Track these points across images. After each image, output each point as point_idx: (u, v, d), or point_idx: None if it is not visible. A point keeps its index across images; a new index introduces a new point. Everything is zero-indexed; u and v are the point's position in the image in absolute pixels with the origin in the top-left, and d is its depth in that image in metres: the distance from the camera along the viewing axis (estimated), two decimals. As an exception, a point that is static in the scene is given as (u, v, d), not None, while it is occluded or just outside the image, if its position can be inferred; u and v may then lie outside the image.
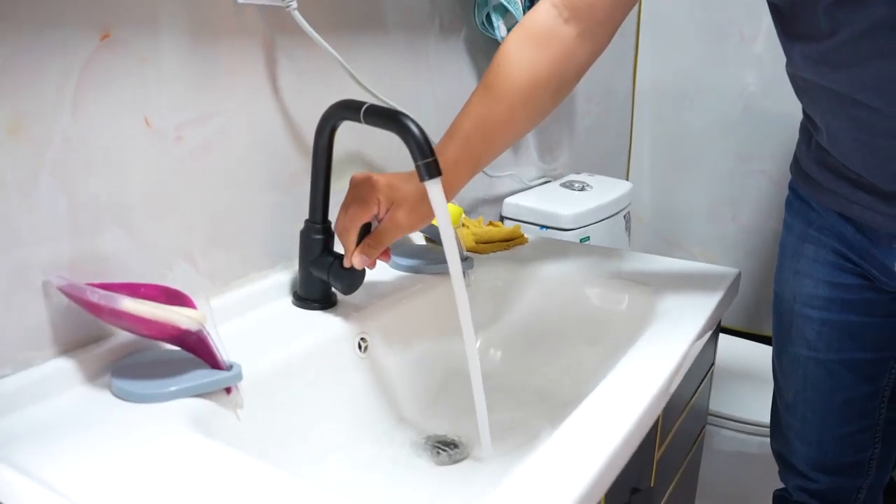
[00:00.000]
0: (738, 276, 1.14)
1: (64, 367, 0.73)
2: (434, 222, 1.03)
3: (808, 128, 1.03)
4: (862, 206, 0.96)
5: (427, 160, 0.78)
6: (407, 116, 0.80)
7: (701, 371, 1.13)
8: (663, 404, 0.83)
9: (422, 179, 0.78)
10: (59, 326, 0.75)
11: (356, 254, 0.90)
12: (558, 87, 0.92)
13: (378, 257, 0.93)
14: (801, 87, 0.96)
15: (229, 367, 0.75)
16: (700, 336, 0.94)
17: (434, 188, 0.78)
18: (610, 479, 0.68)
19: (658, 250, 2.36)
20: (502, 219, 1.55)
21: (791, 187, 1.13)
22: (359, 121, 0.85)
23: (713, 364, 1.21)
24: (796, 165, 1.09)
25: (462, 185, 0.93)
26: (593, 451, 0.66)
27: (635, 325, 1.01)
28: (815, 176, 1.03)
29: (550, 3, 0.91)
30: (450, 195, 0.92)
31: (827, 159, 0.99)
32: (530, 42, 0.91)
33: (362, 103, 0.85)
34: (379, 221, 0.91)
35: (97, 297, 0.70)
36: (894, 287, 1.01)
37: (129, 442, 0.65)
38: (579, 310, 1.11)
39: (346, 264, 0.91)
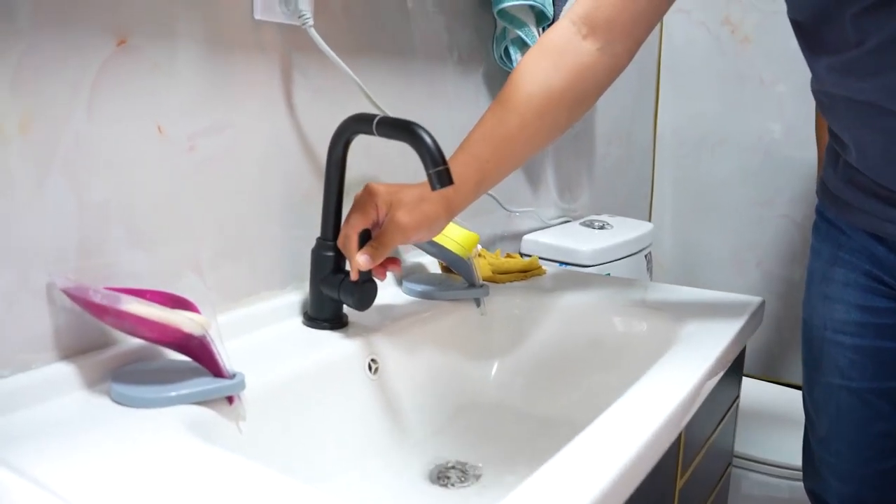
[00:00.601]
0: (762, 304, 1.11)
1: (64, 372, 0.71)
2: (437, 238, 1.02)
3: (834, 148, 1.01)
4: (895, 224, 0.93)
5: (438, 168, 0.77)
6: (419, 126, 0.79)
7: (724, 403, 1.09)
8: (681, 426, 0.79)
9: (433, 188, 0.77)
10: (61, 331, 0.73)
11: (360, 252, 0.87)
12: (574, 101, 0.91)
13: (388, 267, 0.91)
14: (827, 103, 0.94)
15: (232, 376, 0.73)
16: (721, 361, 0.90)
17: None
18: (622, 497, 0.64)
19: (681, 298, 2.32)
20: (522, 255, 1.53)
21: (818, 211, 1.09)
22: (372, 133, 0.84)
23: (737, 398, 1.17)
24: (823, 188, 1.06)
25: (467, 200, 0.91)
26: (602, 468, 0.62)
27: (655, 351, 0.98)
28: (843, 196, 1.00)
29: (569, 19, 0.91)
30: (454, 210, 0.90)
31: (856, 177, 0.96)
32: (546, 56, 0.90)
33: (374, 116, 0.84)
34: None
35: (100, 297, 0.69)
36: None
37: (125, 445, 0.62)
38: (597, 337, 1.08)
39: (354, 275, 0.89)
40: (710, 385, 0.88)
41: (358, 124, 0.87)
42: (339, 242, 0.90)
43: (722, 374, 0.94)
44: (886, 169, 0.90)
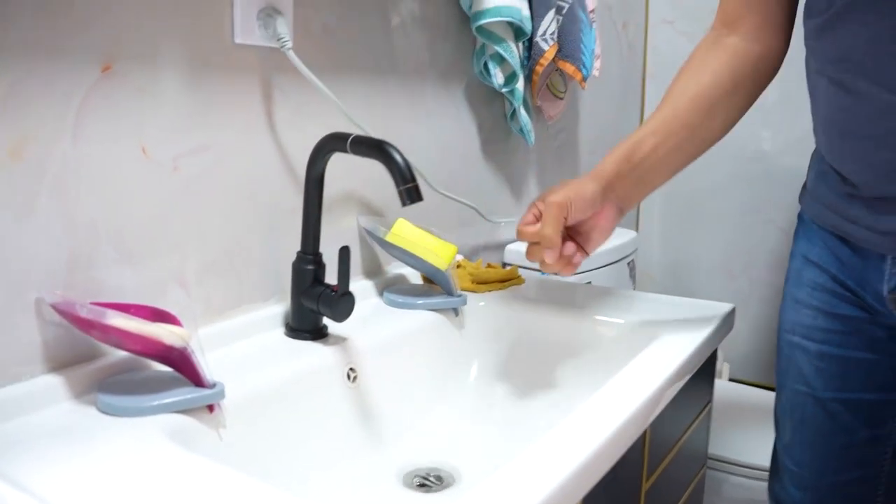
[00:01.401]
0: (732, 310, 1.14)
1: (52, 383, 0.75)
2: (415, 250, 1.05)
3: (816, 149, 1.03)
4: (856, 224, 0.93)
5: (408, 185, 0.81)
6: (390, 145, 0.83)
7: (695, 406, 1.12)
8: (644, 427, 0.83)
9: (403, 204, 0.81)
10: (50, 344, 0.77)
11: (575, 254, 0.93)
12: (728, 91, 0.97)
13: (575, 257, 0.95)
14: (811, 89, 0.96)
15: (212, 386, 0.77)
16: (688, 365, 0.94)
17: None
18: (580, 493, 0.68)
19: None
20: (504, 265, 1.56)
21: (799, 214, 1.09)
22: (346, 151, 0.88)
23: (710, 402, 1.21)
24: (803, 189, 1.07)
25: (619, 174, 0.95)
26: (558, 467, 0.65)
27: (628, 356, 1.02)
28: (816, 194, 1.01)
29: (712, 29, 0.99)
30: (606, 180, 0.93)
31: (826, 171, 0.97)
32: (696, 56, 0.99)
33: (349, 135, 0.88)
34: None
35: (86, 311, 0.73)
36: (890, 317, 0.95)
37: (110, 453, 0.66)
38: (574, 343, 1.11)
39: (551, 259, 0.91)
40: (675, 388, 0.92)
41: (334, 142, 0.91)
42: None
43: (689, 377, 0.97)
44: (845, 153, 0.91)
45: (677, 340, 0.99)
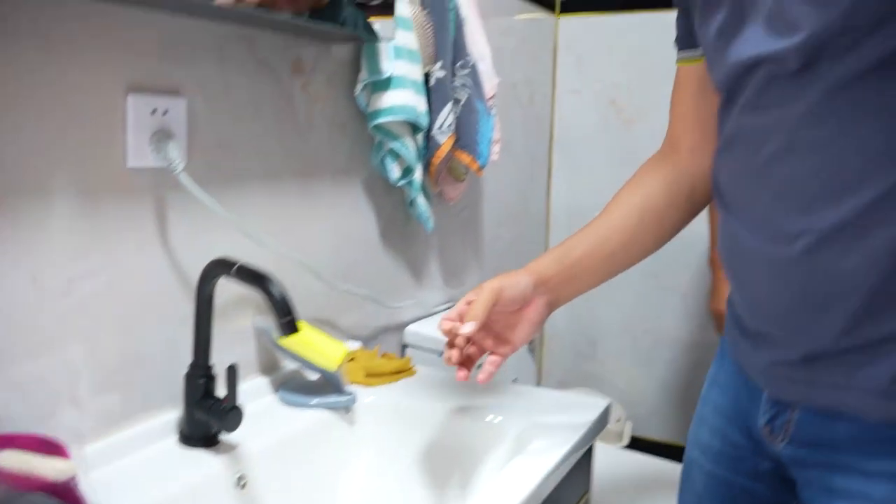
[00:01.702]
0: (608, 407, 1.22)
1: (-65, 518, 0.78)
2: (302, 352, 1.10)
3: None
4: (744, 354, 0.95)
5: (286, 319, 0.88)
6: (270, 280, 0.89)
7: (573, 495, 1.20)
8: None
9: (281, 335, 0.87)
10: (-65, 478, 0.80)
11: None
12: (662, 207, 1.03)
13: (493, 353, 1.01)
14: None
15: (96, 514, 0.81)
16: (559, 468, 1.02)
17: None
18: None
19: (575, 366, 2.48)
20: (404, 347, 1.63)
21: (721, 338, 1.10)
22: (231, 277, 0.94)
23: (588, 490, 1.28)
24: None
25: (549, 267, 1.01)
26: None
27: (506, 455, 1.09)
28: (726, 320, 1.03)
29: (661, 147, 1.06)
30: (535, 272, 1.00)
31: (733, 302, 0.99)
32: (637, 174, 1.06)
33: (234, 263, 0.94)
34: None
35: (-32, 452, 0.76)
36: (771, 449, 0.94)
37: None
38: (456, 441, 1.17)
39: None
40: (550, 484, 1.00)
41: (219, 268, 0.96)
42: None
43: (563, 476, 1.05)
44: (732, 288, 0.94)
45: (551, 444, 1.06)
